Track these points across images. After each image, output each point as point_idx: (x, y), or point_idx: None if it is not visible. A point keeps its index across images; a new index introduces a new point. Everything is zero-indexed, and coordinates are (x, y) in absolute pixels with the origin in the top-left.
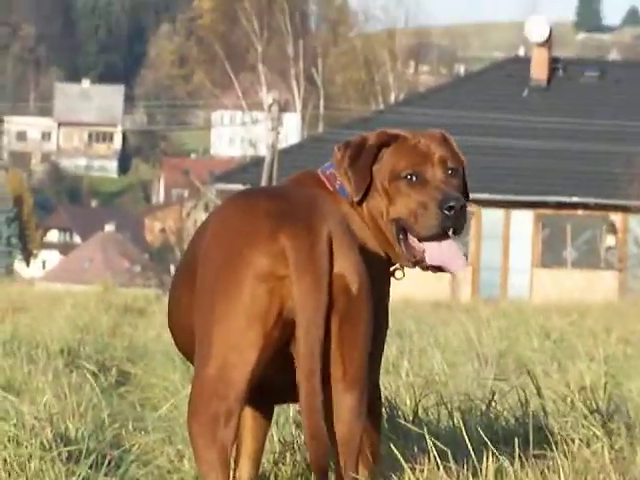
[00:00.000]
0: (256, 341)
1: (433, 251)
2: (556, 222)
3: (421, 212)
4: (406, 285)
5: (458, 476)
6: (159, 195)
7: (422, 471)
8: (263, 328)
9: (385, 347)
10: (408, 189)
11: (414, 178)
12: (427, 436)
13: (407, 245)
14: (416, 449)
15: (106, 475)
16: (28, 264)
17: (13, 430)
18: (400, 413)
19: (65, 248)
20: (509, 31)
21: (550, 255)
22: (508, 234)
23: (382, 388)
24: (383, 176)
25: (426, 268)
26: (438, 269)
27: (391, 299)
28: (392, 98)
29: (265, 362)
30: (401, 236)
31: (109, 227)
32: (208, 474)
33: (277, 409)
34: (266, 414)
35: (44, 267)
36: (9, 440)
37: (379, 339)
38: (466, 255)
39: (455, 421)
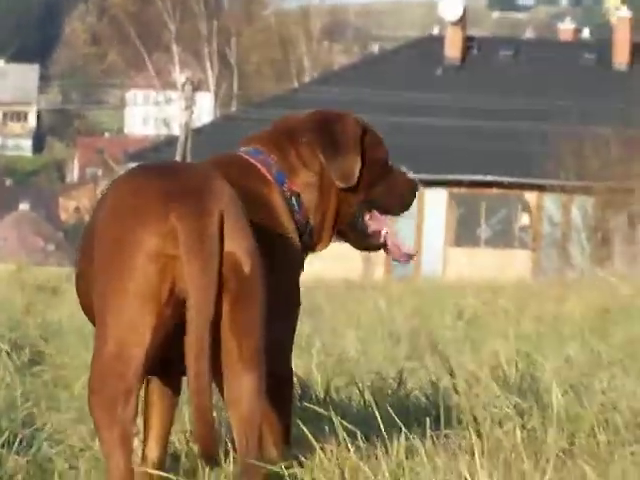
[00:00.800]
0: (149, 320)
1: (390, 231)
2: (470, 201)
3: (400, 193)
4: (318, 264)
5: (368, 456)
6: (73, 174)
7: (332, 451)
8: (155, 307)
9: (297, 327)
10: (388, 174)
11: (388, 164)
12: (335, 417)
13: (369, 226)
14: (327, 430)
15: (17, 454)
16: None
17: None
18: (312, 393)
19: None
20: (423, 10)
21: (464, 234)
22: (422, 213)
23: (294, 368)
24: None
25: (379, 247)
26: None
27: (303, 278)
28: (307, 77)
29: (162, 340)
30: (364, 218)
31: (23, 206)
32: (110, 453)
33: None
34: (172, 393)
35: None
36: None
37: (288, 321)
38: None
39: (366, 400)
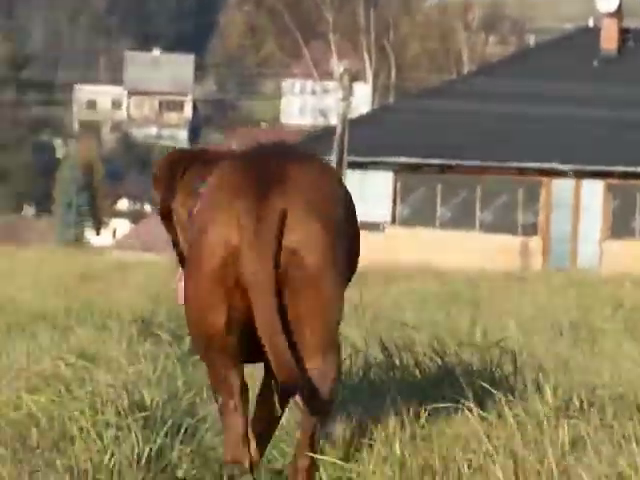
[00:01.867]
0: (219, 302)
1: None
2: (626, 192)
3: None
4: (477, 257)
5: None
6: None
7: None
8: (223, 290)
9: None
10: None
11: None
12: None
13: None
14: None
15: (181, 443)
16: (98, 233)
17: (90, 398)
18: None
19: (135, 217)
20: (579, 2)
21: (619, 225)
22: (578, 204)
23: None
24: None
25: None
26: None
27: (466, 270)
28: (465, 69)
29: (240, 319)
30: None
31: None
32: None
33: None
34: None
35: (114, 236)
36: (88, 408)
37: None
38: (535, 224)
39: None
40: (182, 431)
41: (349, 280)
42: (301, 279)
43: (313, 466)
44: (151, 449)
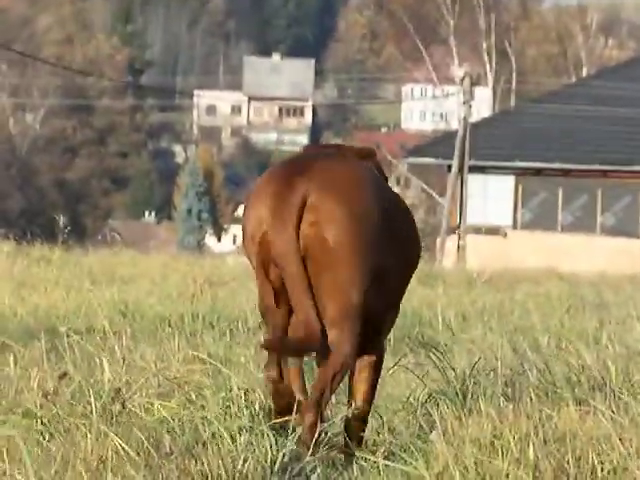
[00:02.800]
0: (261, 275)
1: None
2: None
3: None
4: (600, 259)
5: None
6: None
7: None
8: (263, 266)
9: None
10: None
11: None
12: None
13: None
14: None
15: (313, 452)
16: (219, 239)
17: (222, 402)
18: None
19: None
20: None
21: None
22: None
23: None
24: None
25: None
26: None
27: (589, 273)
28: (583, 72)
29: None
30: None
31: None
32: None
33: None
34: None
35: (234, 242)
36: (221, 413)
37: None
38: None
39: None
40: (314, 438)
41: (408, 278)
42: (318, 254)
43: (317, 424)
44: (284, 454)
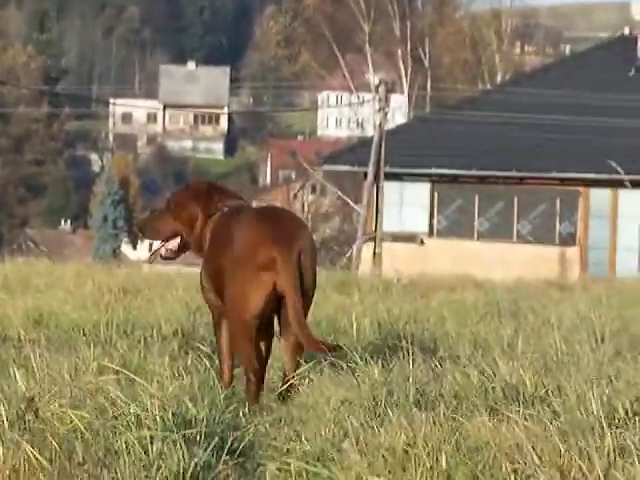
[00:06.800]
0: (260, 300)
1: None
2: None
3: None
4: (516, 266)
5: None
6: (266, 177)
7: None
8: (265, 293)
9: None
10: None
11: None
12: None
13: None
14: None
15: (227, 456)
16: (135, 247)
17: (136, 411)
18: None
19: None
20: (614, 11)
21: None
22: (616, 213)
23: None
24: None
25: None
26: None
27: (505, 280)
28: (498, 78)
29: (267, 311)
30: None
31: None
32: (244, 350)
33: None
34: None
35: (150, 249)
36: (133, 422)
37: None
38: (573, 234)
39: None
40: (227, 445)
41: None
42: (306, 286)
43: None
44: (196, 464)
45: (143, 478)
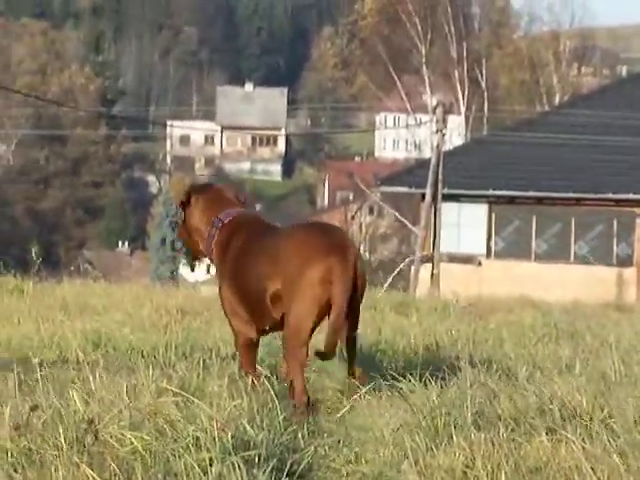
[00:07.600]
0: (315, 312)
1: None
2: None
3: None
4: (573, 287)
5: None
6: (324, 198)
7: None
8: (320, 305)
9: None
10: None
11: None
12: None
13: None
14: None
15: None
16: (193, 269)
17: (195, 433)
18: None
19: None
20: None
21: None
22: None
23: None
24: None
25: None
26: None
27: (561, 301)
28: (556, 100)
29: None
30: None
31: None
32: (298, 373)
33: None
34: None
35: (208, 271)
36: (192, 444)
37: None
38: (630, 255)
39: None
40: (286, 467)
41: None
42: (359, 294)
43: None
44: None
45: None
